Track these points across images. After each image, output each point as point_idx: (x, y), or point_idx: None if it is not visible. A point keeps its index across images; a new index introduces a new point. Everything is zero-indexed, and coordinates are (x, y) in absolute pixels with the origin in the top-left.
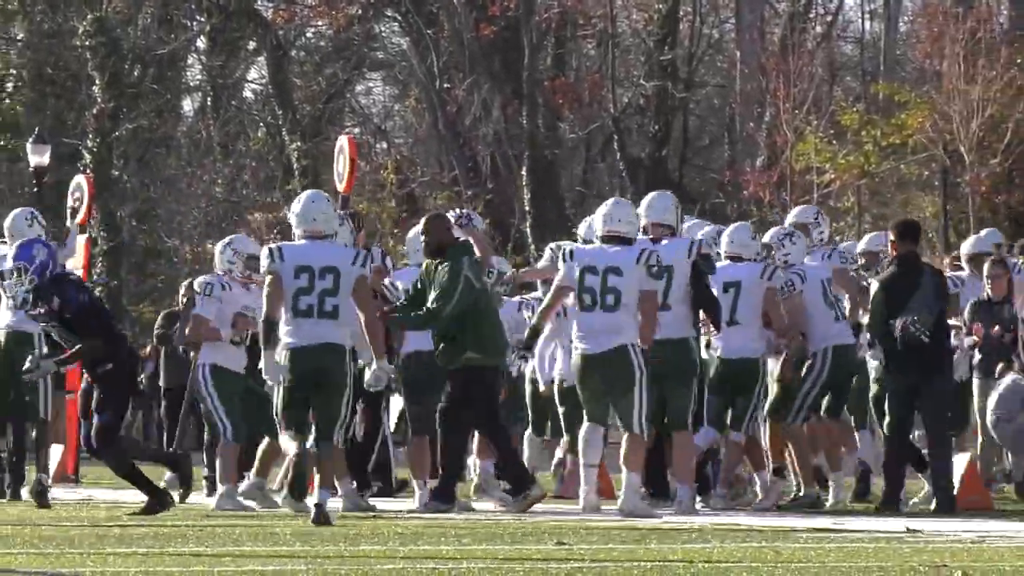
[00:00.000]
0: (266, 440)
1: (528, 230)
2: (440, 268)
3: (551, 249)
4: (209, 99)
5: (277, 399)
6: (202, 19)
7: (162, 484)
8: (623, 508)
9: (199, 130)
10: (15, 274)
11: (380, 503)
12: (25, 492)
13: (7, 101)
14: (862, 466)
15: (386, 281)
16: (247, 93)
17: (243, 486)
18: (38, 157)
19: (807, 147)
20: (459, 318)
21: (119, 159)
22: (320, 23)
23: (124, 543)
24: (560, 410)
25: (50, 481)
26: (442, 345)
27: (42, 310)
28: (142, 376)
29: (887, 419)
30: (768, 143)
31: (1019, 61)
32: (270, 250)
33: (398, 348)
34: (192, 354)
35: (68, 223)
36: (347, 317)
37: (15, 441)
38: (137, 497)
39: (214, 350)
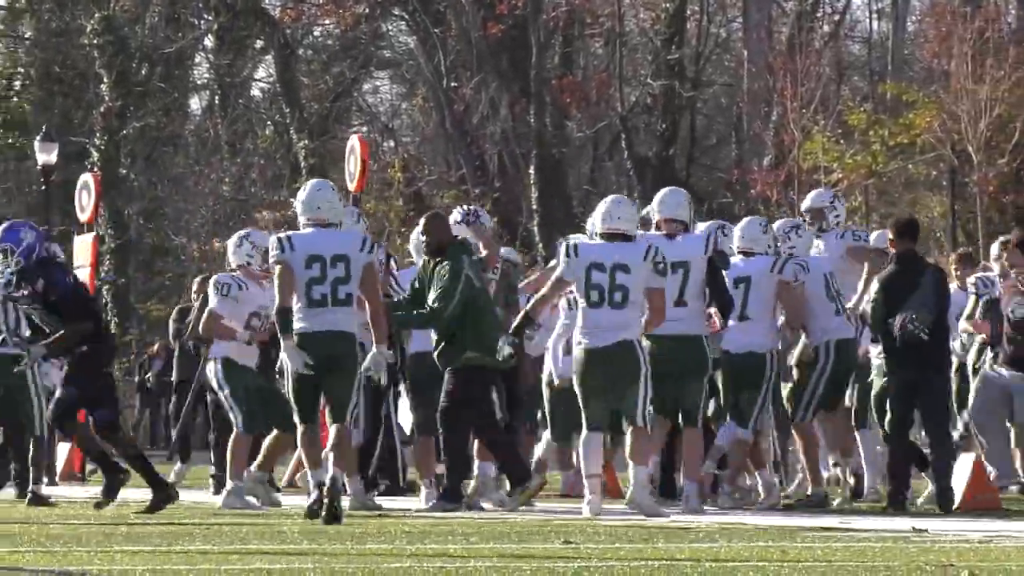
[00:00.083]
0: (273, 434)
1: (535, 229)
2: (440, 267)
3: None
4: (216, 97)
5: (288, 384)
6: (209, 18)
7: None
8: (631, 500)
9: (206, 128)
10: (1, 255)
11: (387, 502)
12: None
13: (15, 99)
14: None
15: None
16: (254, 91)
17: (246, 480)
18: (46, 155)
19: (814, 146)
20: (459, 317)
21: (126, 157)
22: (327, 22)
23: (131, 541)
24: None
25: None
26: (441, 346)
27: (25, 292)
28: (150, 374)
29: (888, 416)
30: (775, 142)
31: None
32: (279, 239)
33: (404, 347)
34: (202, 349)
35: None
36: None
37: (16, 451)
38: (146, 495)
39: (226, 345)
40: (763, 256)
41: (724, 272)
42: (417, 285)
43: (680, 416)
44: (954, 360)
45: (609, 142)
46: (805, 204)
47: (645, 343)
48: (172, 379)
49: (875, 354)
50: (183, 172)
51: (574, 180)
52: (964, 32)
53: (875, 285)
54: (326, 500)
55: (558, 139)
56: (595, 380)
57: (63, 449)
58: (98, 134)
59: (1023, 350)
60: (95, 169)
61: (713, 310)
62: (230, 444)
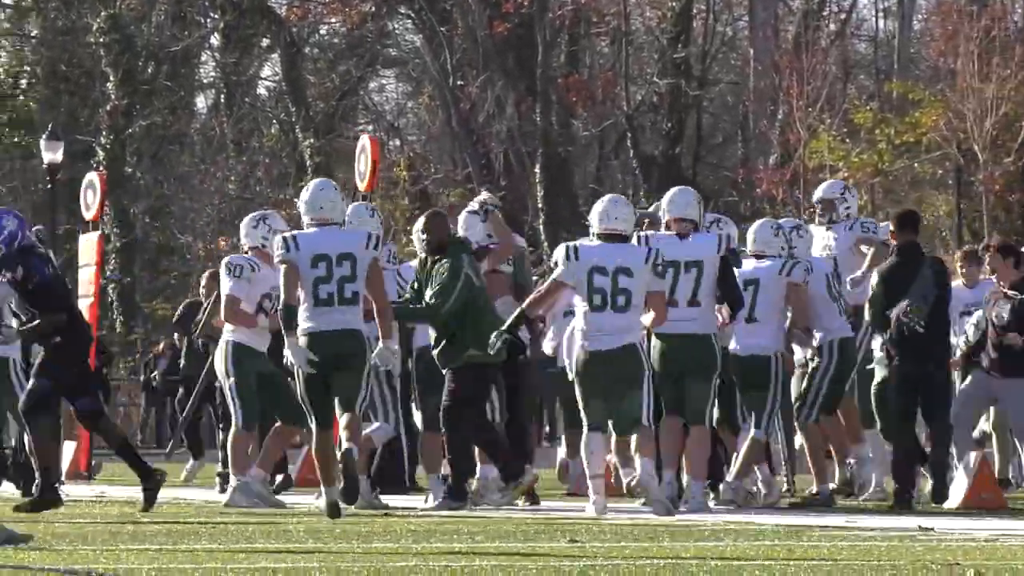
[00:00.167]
0: (276, 426)
1: (541, 227)
2: (440, 265)
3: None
4: (222, 96)
5: (299, 385)
6: (216, 16)
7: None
8: (639, 482)
9: (212, 127)
10: None
11: (393, 501)
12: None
13: (21, 98)
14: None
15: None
16: (260, 90)
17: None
18: (52, 154)
19: (820, 145)
20: (458, 316)
21: (132, 156)
22: (333, 20)
23: (137, 540)
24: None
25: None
26: (442, 345)
27: (4, 279)
28: (155, 373)
29: (892, 408)
30: (781, 141)
31: None
32: (284, 239)
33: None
34: (211, 347)
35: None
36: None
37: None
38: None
39: (239, 328)
40: (772, 259)
41: (736, 270)
42: (416, 285)
43: (688, 415)
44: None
45: (615, 141)
46: (816, 195)
47: (655, 342)
48: (179, 376)
49: (877, 347)
50: (189, 171)
51: (580, 179)
52: (970, 31)
53: (875, 277)
54: (342, 470)
55: (564, 138)
56: (596, 382)
57: (69, 448)
58: (104, 132)
59: (1008, 355)
60: (101, 168)
61: (722, 307)
62: (229, 440)
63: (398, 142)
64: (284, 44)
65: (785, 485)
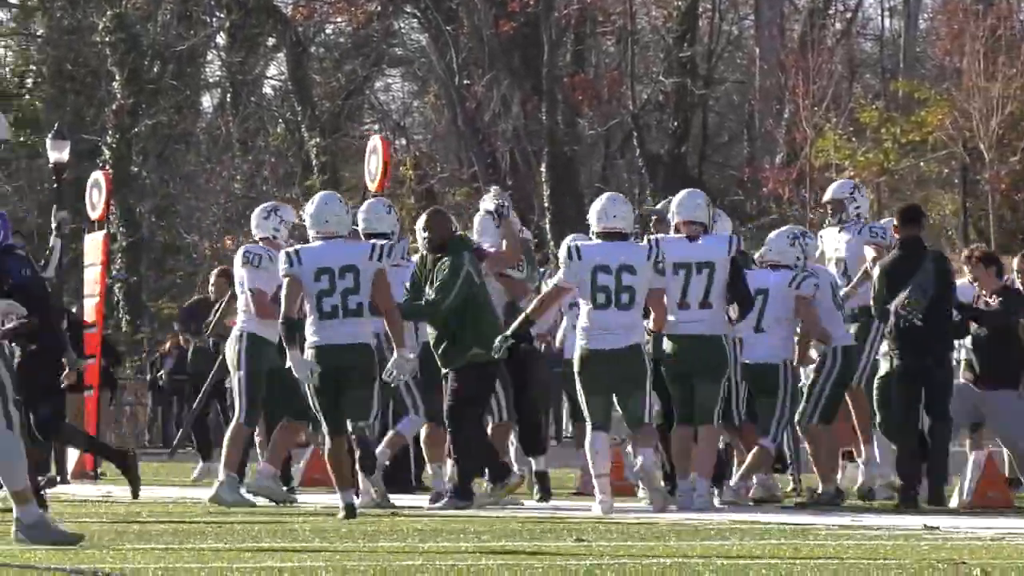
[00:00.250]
0: (284, 421)
1: (547, 226)
2: (441, 262)
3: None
4: (228, 95)
5: (310, 398)
6: (221, 15)
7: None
8: (642, 468)
9: (218, 126)
10: None
11: (400, 500)
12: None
13: (27, 97)
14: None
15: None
16: (266, 89)
17: (255, 478)
18: (57, 153)
19: (826, 144)
20: (459, 315)
21: (138, 155)
22: (339, 19)
23: (143, 539)
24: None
25: (69, 477)
26: (444, 345)
27: None
28: (161, 372)
29: (893, 404)
30: (787, 140)
31: None
32: (287, 254)
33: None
34: (220, 345)
35: (53, 239)
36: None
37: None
38: (159, 494)
39: (254, 319)
40: (785, 270)
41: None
42: (416, 283)
43: (696, 415)
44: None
45: (621, 140)
46: (826, 195)
47: (667, 344)
48: (186, 375)
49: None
50: (195, 170)
51: (586, 178)
52: (976, 30)
53: (877, 270)
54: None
55: (570, 137)
56: (598, 380)
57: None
58: (110, 132)
59: (990, 367)
60: (107, 167)
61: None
62: (228, 433)
63: (404, 141)
64: (290, 43)
65: (791, 485)
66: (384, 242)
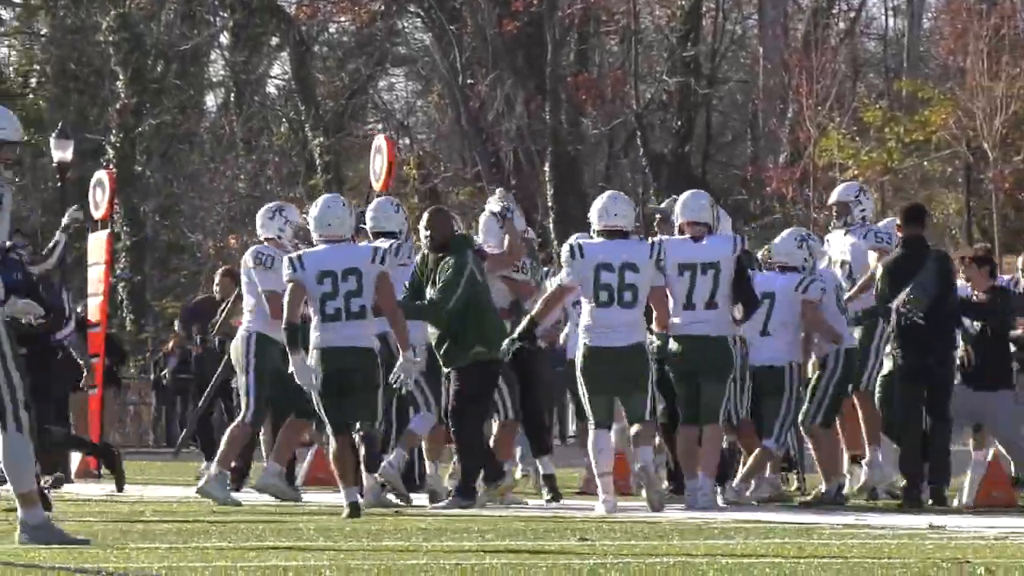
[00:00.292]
0: (289, 419)
1: (551, 226)
2: (444, 262)
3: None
4: (232, 95)
5: (314, 399)
6: (225, 15)
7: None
8: (640, 469)
9: (222, 126)
10: None
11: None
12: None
13: (31, 96)
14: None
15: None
16: (270, 89)
17: (261, 476)
18: (61, 152)
19: (830, 143)
20: (462, 314)
21: (142, 155)
22: (343, 19)
23: (147, 538)
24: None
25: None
26: (446, 345)
27: None
28: (165, 371)
29: (895, 402)
30: (791, 139)
31: None
32: (290, 260)
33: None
34: (226, 344)
35: (58, 234)
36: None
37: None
38: (162, 493)
39: (261, 319)
40: (792, 272)
41: (750, 271)
42: (416, 281)
43: (701, 414)
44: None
45: (624, 139)
46: (832, 198)
47: (672, 344)
48: (190, 374)
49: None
50: (199, 169)
51: (589, 177)
52: (980, 29)
53: (880, 270)
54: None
55: (573, 136)
56: (601, 378)
57: None
58: (114, 131)
59: (985, 368)
60: (110, 166)
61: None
62: (229, 429)
63: (408, 141)
64: (293, 43)
65: (795, 484)
66: (387, 244)
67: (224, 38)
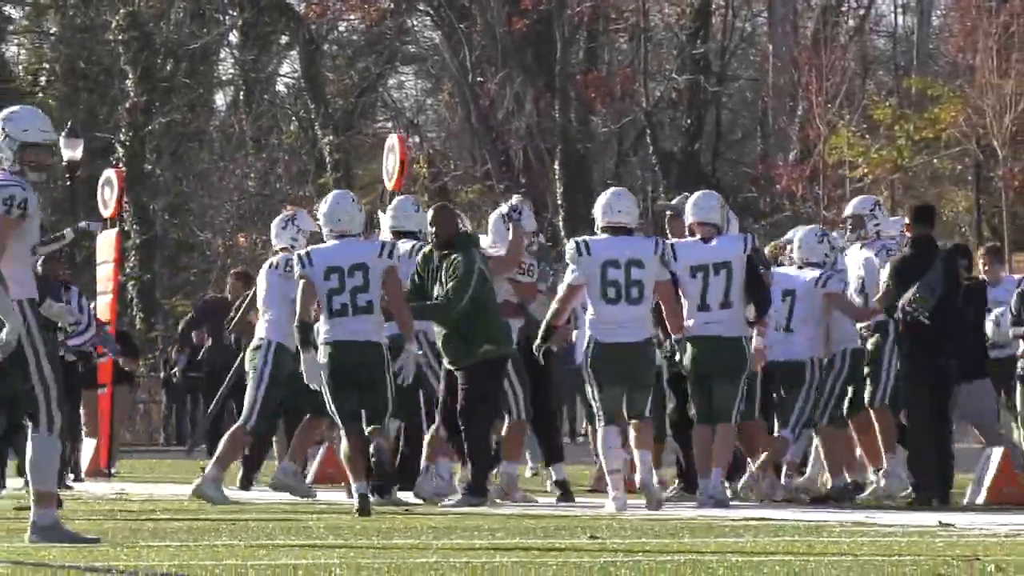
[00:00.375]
0: (306, 418)
1: (561, 224)
2: (451, 260)
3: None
4: (241, 93)
5: (325, 395)
6: (234, 13)
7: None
8: (641, 484)
9: (231, 124)
10: None
11: (408, 497)
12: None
13: (40, 95)
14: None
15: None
16: (279, 87)
17: (276, 474)
18: (71, 151)
19: (840, 141)
20: (470, 313)
21: (152, 153)
22: (352, 17)
23: (157, 537)
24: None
25: (84, 475)
26: (454, 343)
27: None
28: (175, 369)
29: (903, 402)
30: (801, 137)
31: None
32: (299, 256)
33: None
34: (242, 341)
35: (68, 231)
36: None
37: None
38: (172, 491)
39: (280, 327)
40: (813, 268)
41: (762, 270)
42: (418, 280)
43: (715, 413)
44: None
45: (634, 137)
46: (847, 211)
47: (688, 347)
48: (200, 372)
49: None
50: (208, 168)
51: (599, 175)
52: (989, 26)
53: (888, 269)
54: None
55: (583, 134)
56: (611, 374)
57: (89, 445)
58: (123, 130)
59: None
60: (120, 165)
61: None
62: (230, 432)
63: (417, 139)
64: (303, 41)
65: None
66: (408, 246)
67: (233, 37)
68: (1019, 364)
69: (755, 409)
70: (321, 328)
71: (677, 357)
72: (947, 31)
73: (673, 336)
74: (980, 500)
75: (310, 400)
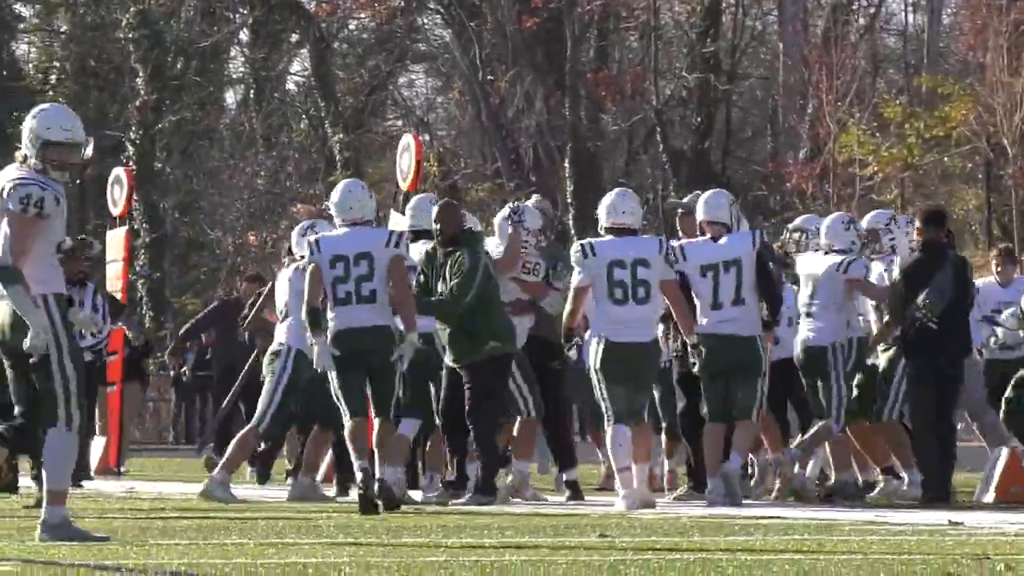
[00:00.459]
0: (315, 430)
1: (571, 222)
2: (456, 257)
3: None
4: (252, 91)
5: (333, 384)
6: (245, 11)
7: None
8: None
9: (242, 122)
10: None
11: (415, 495)
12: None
13: (50, 93)
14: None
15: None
16: (290, 85)
17: (293, 487)
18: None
19: (850, 139)
20: (475, 310)
21: (162, 151)
22: (363, 15)
23: (167, 535)
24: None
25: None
26: (459, 340)
27: None
28: (185, 368)
29: (909, 402)
30: (811, 135)
31: None
32: (309, 243)
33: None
34: (257, 342)
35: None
36: (387, 299)
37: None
38: (181, 490)
39: (301, 334)
40: (832, 254)
41: (773, 266)
42: (422, 278)
43: (735, 411)
44: (985, 353)
45: (644, 135)
46: (864, 223)
47: (702, 346)
48: (210, 371)
49: None
50: (218, 166)
51: (609, 173)
52: (1000, 25)
53: (897, 272)
54: (362, 491)
55: (593, 132)
56: (619, 372)
57: (98, 444)
58: (133, 128)
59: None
60: (130, 163)
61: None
62: (241, 434)
63: (428, 137)
64: (313, 39)
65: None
66: (427, 246)
67: (244, 35)
68: None
69: (761, 405)
70: (328, 316)
71: (691, 359)
72: (957, 29)
73: (685, 336)
74: (988, 499)
75: (322, 408)
